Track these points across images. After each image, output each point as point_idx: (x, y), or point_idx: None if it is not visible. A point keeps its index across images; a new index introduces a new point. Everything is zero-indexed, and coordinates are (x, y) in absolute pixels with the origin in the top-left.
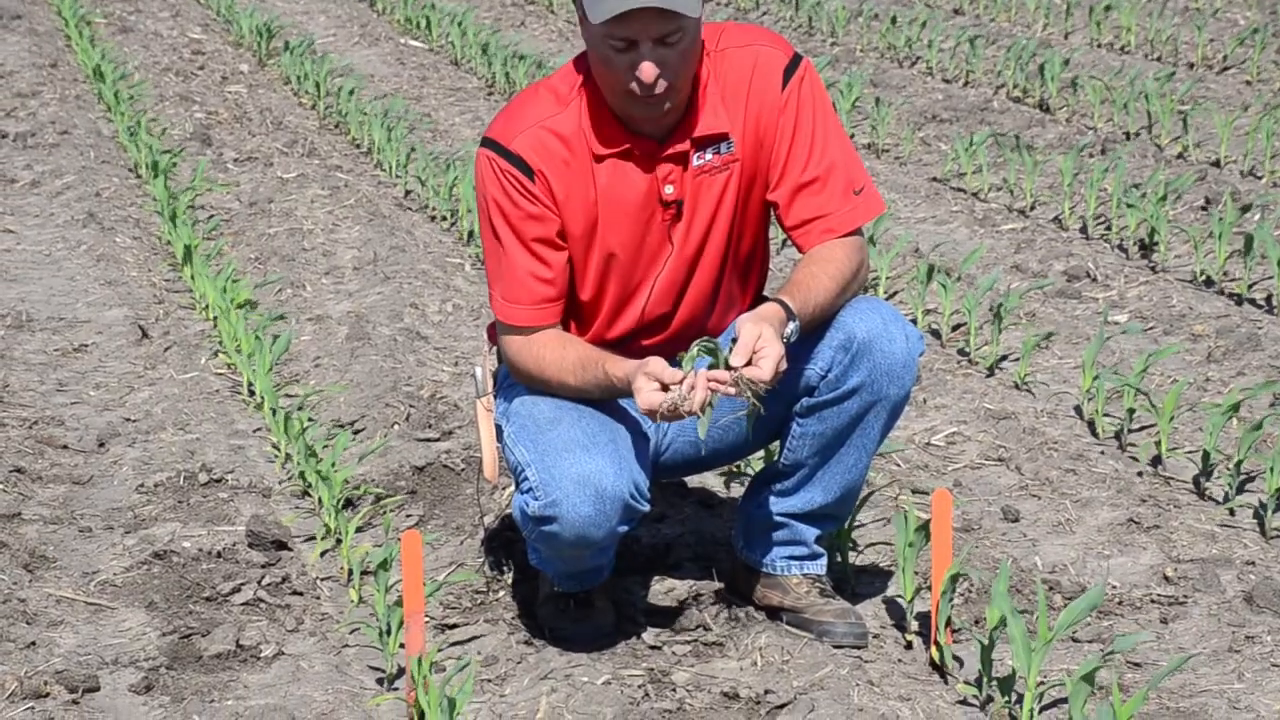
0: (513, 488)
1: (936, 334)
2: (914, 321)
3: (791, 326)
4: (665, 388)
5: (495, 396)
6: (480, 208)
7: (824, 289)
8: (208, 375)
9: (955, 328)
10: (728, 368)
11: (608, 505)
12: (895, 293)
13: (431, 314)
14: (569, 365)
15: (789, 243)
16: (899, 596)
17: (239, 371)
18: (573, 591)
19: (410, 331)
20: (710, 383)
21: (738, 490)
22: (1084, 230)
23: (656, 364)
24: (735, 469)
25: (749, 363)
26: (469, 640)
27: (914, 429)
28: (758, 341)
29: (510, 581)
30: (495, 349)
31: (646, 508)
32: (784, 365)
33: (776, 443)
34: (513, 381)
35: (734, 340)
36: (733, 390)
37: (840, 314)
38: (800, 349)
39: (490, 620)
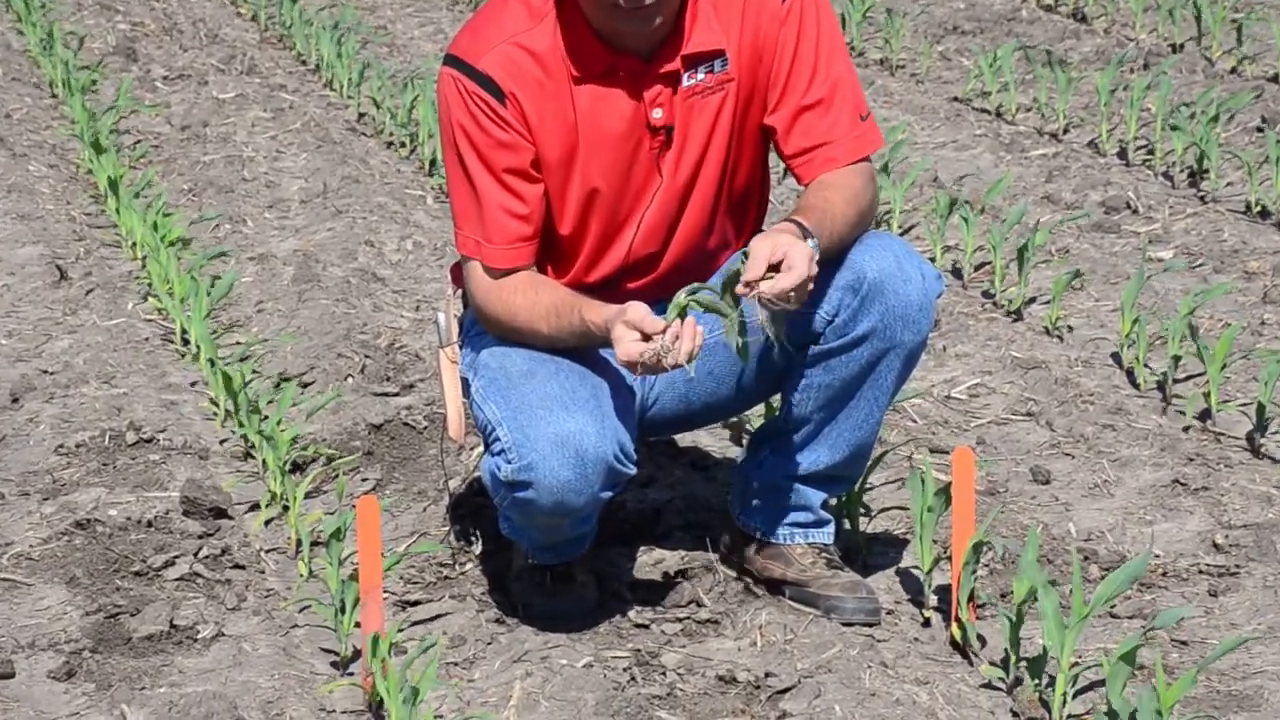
0: (481, 448)
1: (957, 273)
2: (932, 260)
3: (810, 244)
4: (648, 338)
5: (461, 346)
6: (444, 134)
7: (840, 214)
8: (135, 322)
9: (978, 266)
10: (731, 293)
11: (589, 468)
12: (911, 227)
13: (389, 253)
14: (541, 311)
15: (790, 175)
16: (915, 568)
17: (171, 318)
18: (550, 564)
19: (365, 272)
20: (748, 295)
21: (735, 451)
22: (1124, 156)
23: (637, 310)
24: (732, 426)
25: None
26: (433, 619)
27: (932, 380)
28: (774, 251)
29: (479, 553)
30: (461, 292)
31: (633, 470)
32: (815, 270)
33: (778, 396)
34: (481, 330)
35: (744, 258)
36: (759, 311)
37: (849, 252)
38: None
39: (457, 596)
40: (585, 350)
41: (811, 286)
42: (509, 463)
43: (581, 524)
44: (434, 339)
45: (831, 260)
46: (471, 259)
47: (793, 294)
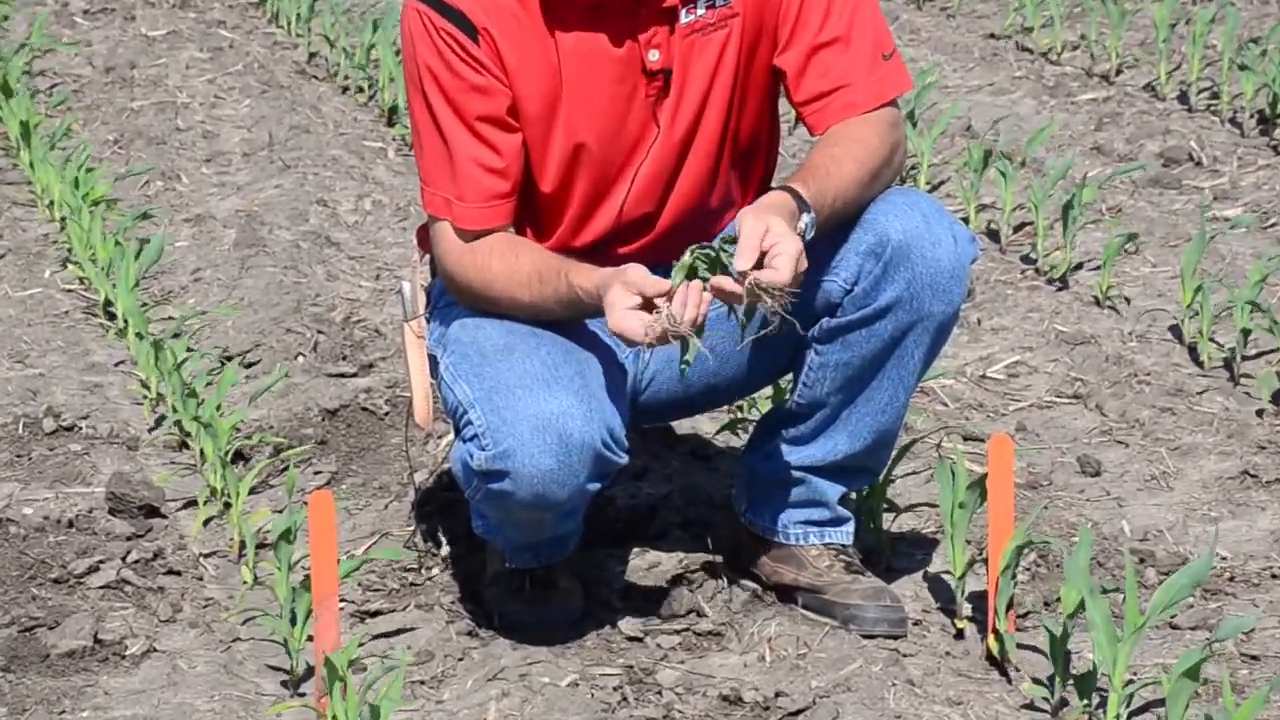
0: (451, 435)
1: (994, 235)
2: (965, 220)
3: (805, 220)
4: (648, 304)
5: (428, 319)
6: (409, 76)
7: (847, 176)
8: (53, 292)
9: (1018, 227)
10: (726, 273)
11: (574, 456)
12: (941, 183)
13: (345, 213)
14: (522, 277)
15: (802, 124)
16: (946, 572)
17: (94, 288)
18: (529, 568)
19: (317, 236)
20: (716, 292)
21: (740, 439)
22: (1185, 100)
23: (637, 272)
24: (736, 410)
25: (759, 265)
26: (397, 632)
27: (965, 357)
28: (765, 237)
29: (449, 556)
30: (428, 258)
31: (624, 459)
32: (804, 264)
33: (789, 377)
34: (451, 300)
35: (731, 239)
36: (742, 301)
37: (869, 211)
38: (818, 255)
39: (424, 606)
40: (571, 323)
41: (804, 268)
42: (482, 449)
43: (565, 521)
44: (398, 311)
45: (846, 222)
46: (440, 219)
47: (784, 284)
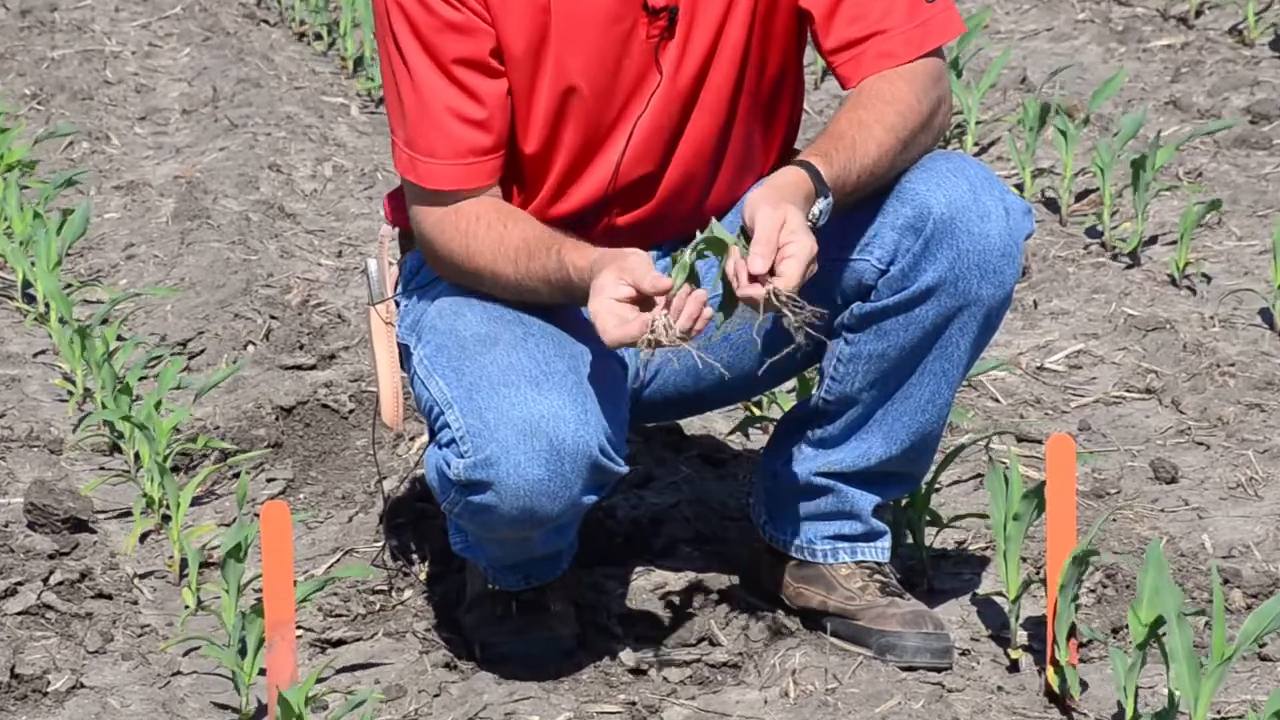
0: (426, 438)
1: (1053, 205)
2: (1018, 188)
3: (820, 206)
4: (644, 300)
5: (399, 302)
6: (377, 14)
7: (877, 148)
8: None
9: (1081, 195)
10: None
11: (567, 465)
12: (990, 144)
13: (301, 180)
14: (509, 250)
15: (832, 75)
16: (998, 594)
17: (10, 266)
18: (516, 590)
19: (270, 206)
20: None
21: (758, 441)
22: (1277, 46)
23: (639, 260)
24: (754, 407)
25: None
26: (363, 664)
27: (1020, 346)
28: (782, 232)
29: (423, 576)
30: (399, 232)
31: (623, 469)
32: (815, 267)
33: (815, 369)
34: (427, 280)
35: (743, 231)
36: (760, 309)
37: (907, 178)
38: (847, 229)
39: (394, 634)
40: (562, 308)
41: (814, 272)
42: (461, 456)
43: (556, 537)
44: (362, 294)
45: (877, 193)
46: (412, 180)
47: (791, 290)
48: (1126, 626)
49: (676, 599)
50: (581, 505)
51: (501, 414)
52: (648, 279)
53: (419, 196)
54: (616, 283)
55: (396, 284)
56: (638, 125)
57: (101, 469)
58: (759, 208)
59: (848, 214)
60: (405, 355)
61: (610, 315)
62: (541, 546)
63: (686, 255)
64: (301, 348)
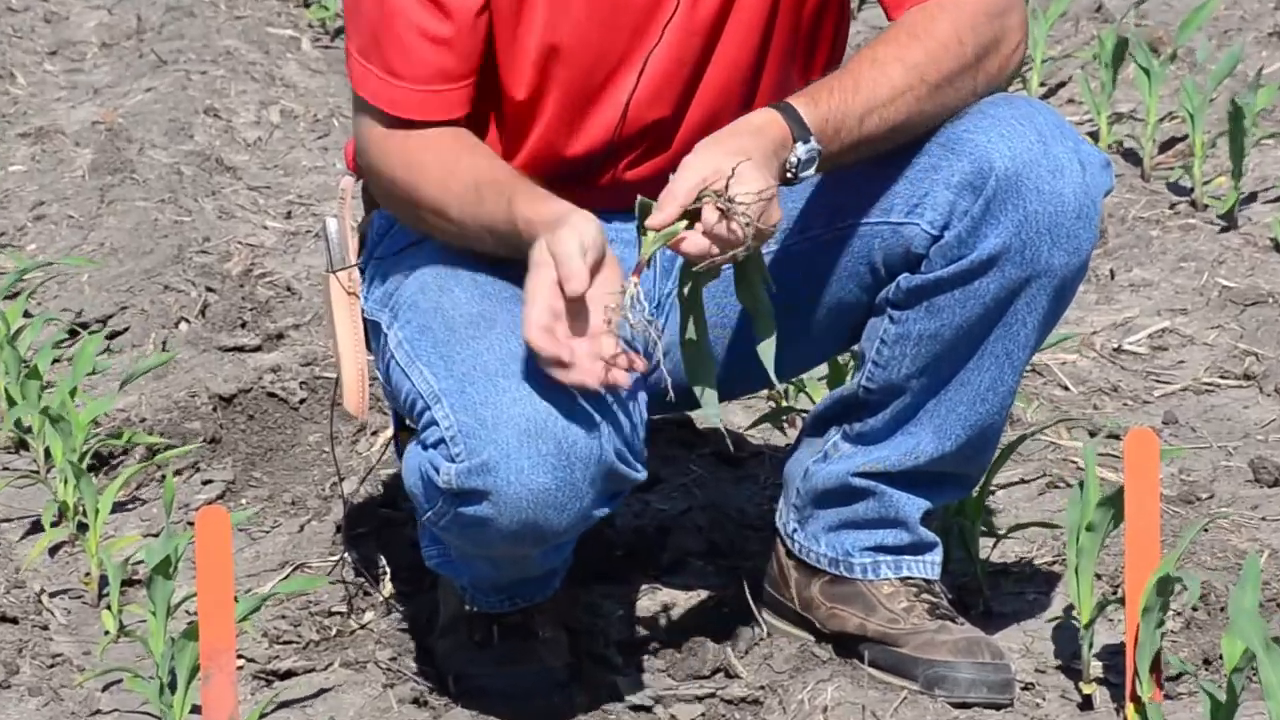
0: (391, 430)
1: (1133, 157)
2: (1093, 137)
3: (799, 153)
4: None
5: (365, 270)
6: None
7: (889, 88)
8: None
9: (1167, 145)
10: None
11: (577, 471)
12: (1060, 85)
13: (243, 127)
14: (458, 185)
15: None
16: (1068, 616)
17: None
18: (499, 612)
19: (205, 158)
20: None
21: (785, 437)
22: None
23: (585, 228)
24: (779, 397)
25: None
26: (315, 696)
27: (1094, 323)
28: (702, 179)
29: (388, 595)
30: (363, 185)
31: (641, 474)
32: (776, 214)
33: (852, 352)
34: (402, 244)
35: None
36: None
37: (963, 127)
38: (892, 188)
39: (353, 664)
40: (509, 260)
41: (775, 220)
42: (453, 460)
43: (555, 554)
44: (318, 261)
45: (904, 145)
46: (367, 101)
47: (739, 245)
48: (1221, 657)
49: (686, 623)
50: (592, 518)
51: (501, 411)
52: (571, 264)
53: (366, 109)
54: (571, 248)
55: (361, 249)
56: (649, 63)
57: (5, 469)
58: (687, 158)
59: (891, 170)
60: (374, 333)
61: (544, 306)
62: (540, 565)
63: (649, 240)
64: (243, 326)
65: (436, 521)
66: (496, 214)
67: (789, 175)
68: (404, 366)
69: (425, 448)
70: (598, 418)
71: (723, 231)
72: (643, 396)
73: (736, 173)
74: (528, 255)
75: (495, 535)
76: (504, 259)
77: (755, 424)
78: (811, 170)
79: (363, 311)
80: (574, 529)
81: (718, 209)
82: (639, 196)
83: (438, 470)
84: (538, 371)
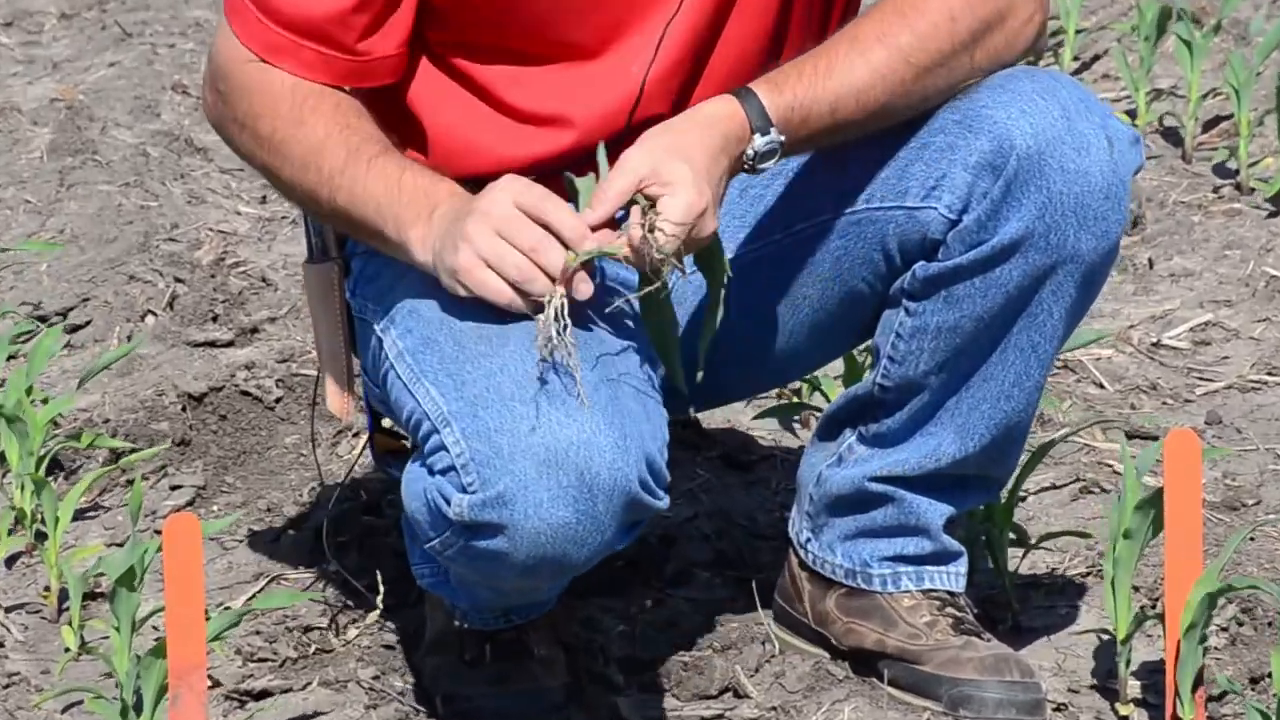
0: (367, 435)
1: (1174, 137)
2: (1130, 115)
3: (756, 145)
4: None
5: (352, 262)
6: None
7: (869, 71)
8: None
9: (1211, 124)
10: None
11: (600, 503)
12: (1094, 59)
13: None
14: (319, 135)
15: None
16: (1104, 631)
17: None
18: (493, 629)
19: (174, 138)
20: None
21: (798, 438)
22: None
23: (524, 193)
24: (790, 395)
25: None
26: (293, 718)
27: (1130, 316)
28: (644, 182)
29: (372, 609)
30: None
31: (664, 501)
32: (710, 226)
33: (867, 346)
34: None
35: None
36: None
37: (981, 102)
38: (903, 169)
39: (333, 683)
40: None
41: (707, 233)
42: (467, 491)
43: (563, 582)
44: (296, 250)
45: (892, 127)
46: (235, 29)
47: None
48: (1269, 674)
49: (692, 639)
50: (612, 550)
51: (518, 439)
52: (545, 207)
53: (225, 39)
54: (489, 240)
55: (344, 235)
56: (664, 39)
57: None
58: (623, 157)
59: (905, 150)
60: (362, 331)
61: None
62: (549, 593)
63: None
64: (215, 319)
65: (442, 551)
66: (377, 174)
67: (746, 167)
68: (407, 383)
69: (431, 473)
70: (623, 444)
71: (647, 246)
72: (663, 412)
73: (669, 186)
74: (391, 237)
75: (507, 569)
76: None
77: (759, 417)
78: (773, 162)
79: (353, 309)
80: (592, 563)
81: (639, 225)
82: (566, 174)
83: (448, 500)
84: (556, 395)
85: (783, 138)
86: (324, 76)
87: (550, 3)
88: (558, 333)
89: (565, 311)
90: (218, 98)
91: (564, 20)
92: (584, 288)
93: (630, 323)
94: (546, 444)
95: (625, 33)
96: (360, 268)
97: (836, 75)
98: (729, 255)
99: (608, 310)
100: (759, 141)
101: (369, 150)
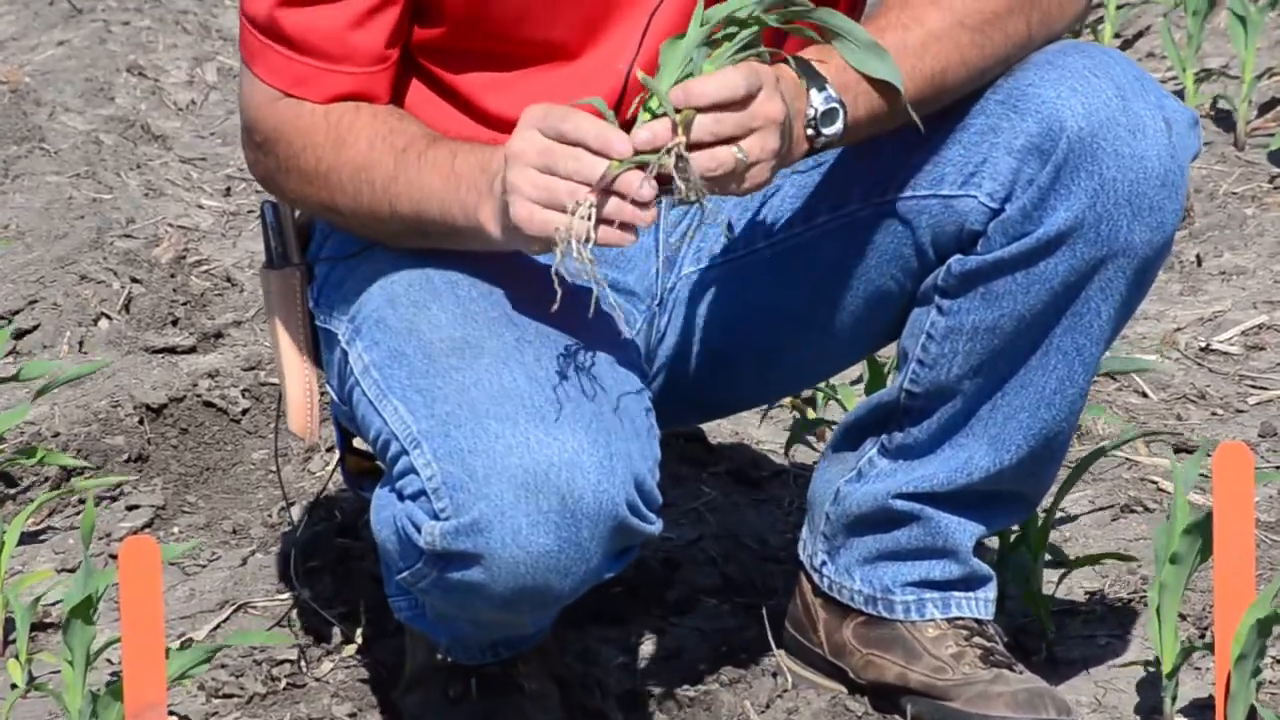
0: (339, 456)
1: (1225, 121)
2: (1179, 95)
3: (816, 103)
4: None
5: (315, 267)
6: None
7: (921, 33)
8: None
9: (1266, 107)
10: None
11: (584, 529)
12: (1138, 35)
13: (174, 88)
14: (362, 150)
15: None
16: (1148, 663)
17: None
18: (479, 663)
19: (129, 124)
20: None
21: (811, 452)
22: None
23: (544, 119)
24: (803, 404)
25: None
26: None
27: (1178, 318)
28: (742, 87)
29: (346, 641)
30: None
31: (656, 526)
32: (762, 174)
33: (891, 350)
34: (359, 244)
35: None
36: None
37: (1028, 80)
38: (939, 153)
39: None
40: (548, 291)
41: (760, 180)
42: (439, 518)
43: (549, 615)
44: (261, 247)
45: (980, 94)
46: (257, 72)
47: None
48: None
49: (697, 671)
50: (600, 580)
51: (494, 461)
52: (586, 130)
53: (255, 83)
54: (546, 144)
55: (308, 238)
56: (653, 21)
57: None
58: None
59: (941, 133)
60: (326, 343)
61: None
62: (533, 626)
63: (662, 84)
64: (175, 323)
65: (415, 583)
66: (435, 159)
67: (809, 133)
68: (373, 400)
69: (401, 498)
70: (608, 465)
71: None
72: (654, 427)
73: (755, 118)
74: (463, 223)
75: (485, 601)
76: (479, 265)
77: (788, 446)
78: (836, 128)
79: (317, 319)
80: (578, 593)
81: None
82: (639, 73)
83: (418, 527)
84: (535, 412)
85: (836, 95)
86: (353, 86)
87: (520, 1)
88: (577, 244)
89: (593, 220)
90: (257, 152)
91: (535, 19)
92: (645, 190)
93: (620, 332)
94: (525, 465)
95: (605, 30)
96: (325, 274)
97: (889, 38)
98: (742, 252)
99: (592, 316)
100: (816, 98)
101: (417, 148)
